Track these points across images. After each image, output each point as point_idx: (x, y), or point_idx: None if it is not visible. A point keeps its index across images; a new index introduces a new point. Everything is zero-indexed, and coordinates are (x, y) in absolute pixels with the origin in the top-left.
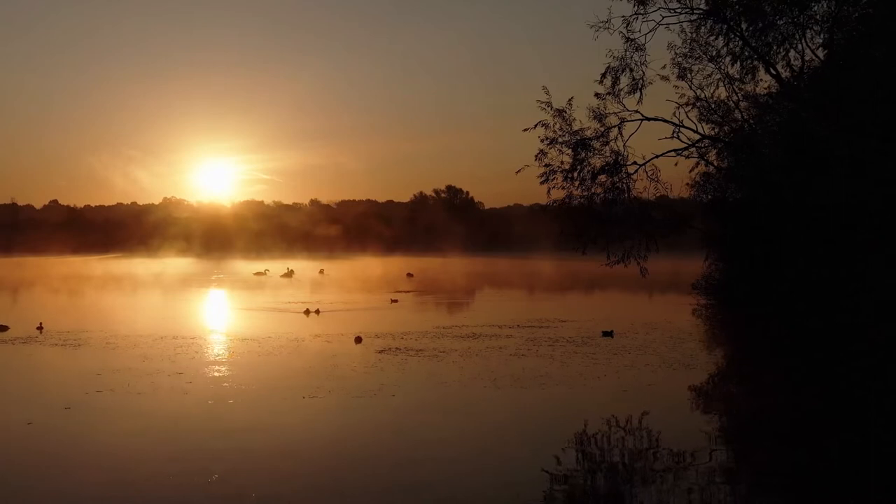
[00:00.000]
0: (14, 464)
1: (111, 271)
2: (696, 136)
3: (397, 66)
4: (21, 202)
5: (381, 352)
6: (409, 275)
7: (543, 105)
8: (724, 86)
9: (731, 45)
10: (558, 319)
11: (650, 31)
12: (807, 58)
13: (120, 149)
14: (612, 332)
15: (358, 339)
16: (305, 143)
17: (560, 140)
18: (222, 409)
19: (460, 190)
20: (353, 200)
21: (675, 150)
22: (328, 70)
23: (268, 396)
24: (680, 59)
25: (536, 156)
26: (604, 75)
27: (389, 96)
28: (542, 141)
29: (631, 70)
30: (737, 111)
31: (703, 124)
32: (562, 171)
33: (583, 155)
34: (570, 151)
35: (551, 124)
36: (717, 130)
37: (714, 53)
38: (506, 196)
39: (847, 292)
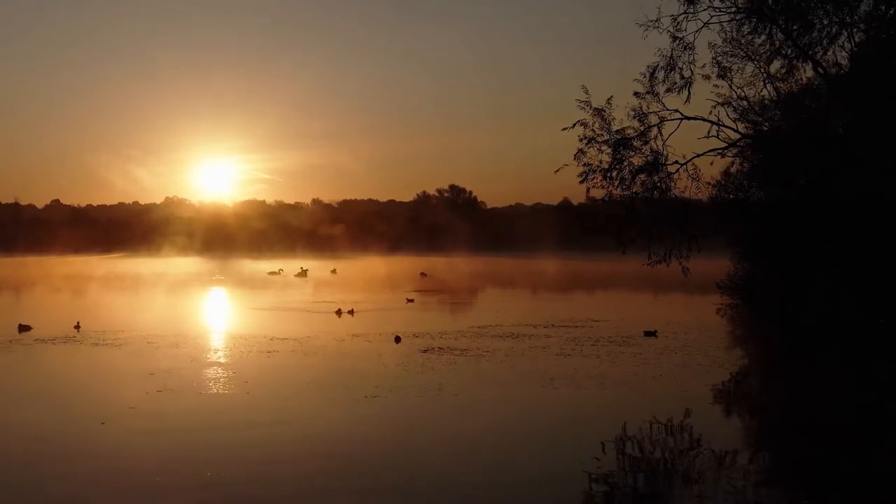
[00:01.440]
0: (101, 464)
1: (121, 271)
2: (737, 136)
3: (397, 66)
4: (23, 202)
5: (425, 351)
6: (423, 274)
7: (582, 104)
8: (765, 85)
9: (773, 42)
10: (590, 319)
11: (698, 31)
12: (843, 58)
13: (120, 148)
14: (655, 331)
15: (397, 339)
16: (306, 143)
17: (600, 139)
18: (290, 409)
19: (463, 189)
20: (355, 200)
21: (716, 150)
22: (329, 70)
23: (332, 396)
24: (720, 57)
25: (575, 155)
26: (652, 74)
27: (390, 96)
28: (580, 140)
29: (680, 69)
30: (774, 110)
31: (741, 123)
32: (601, 171)
33: (622, 154)
34: (609, 150)
35: (590, 123)
36: (754, 130)
37: (754, 52)
38: (507, 195)
39: (884, 291)
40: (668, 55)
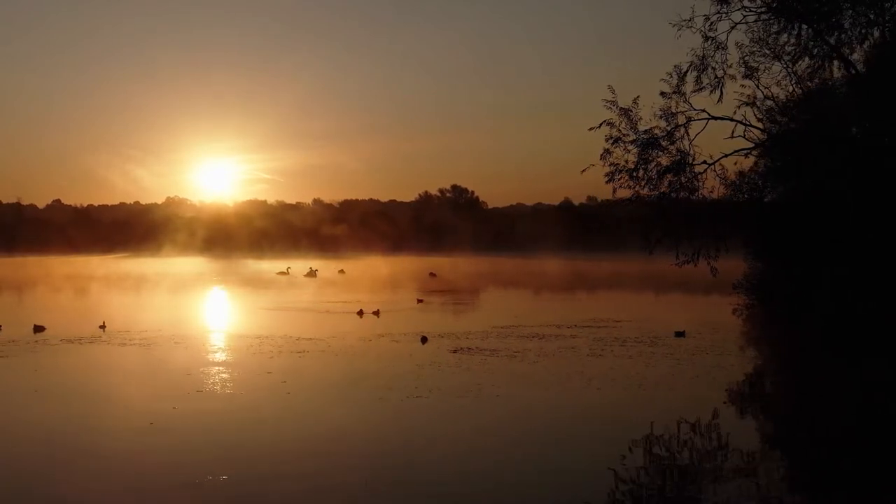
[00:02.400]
0: (159, 462)
1: (126, 271)
2: (763, 136)
3: (398, 66)
4: (24, 202)
5: (455, 352)
6: (432, 274)
7: (608, 104)
8: (793, 85)
9: (800, 41)
10: (610, 319)
11: (730, 30)
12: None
13: (121, 148)
14: (684, 332)
15: (424, 340)
16: (306, 143)
17: (626, 139)
18: (336, 409)
19: (465, 189)
20: (356, 200)
21: (743, 150)
22: (329, 70)
23: (376, 397)
24: (748, 57)
25: (602, 155)
26: (684, 74)
27: (390, 96)
28: (606, 140)
29: (713, 68)
30: (795, 110)
31: (767, 123)
32: (627, 171)
33: (648, 154)
34: (636, 150)
35: (616, 123)
36: (779, 130)
37: (781, 51)
38: (507, 195)
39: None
40: (701, 55)
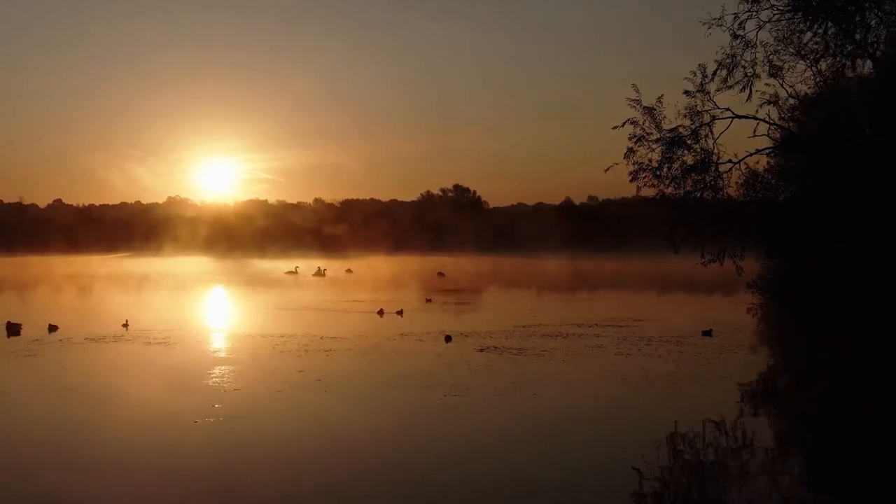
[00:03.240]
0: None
1: (131, 270)
2: (787, 135)
3: (399, 65)
4: (25, 201)
5: (481, 351)
6: (441, 274)
7: (632, 103)
8: (817, 84)
9: (824, 39)
10: (630, 318)
11: (759, 28)
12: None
13: (121, 148)
14: (711, 331)
15: (448, 339)
16: (306, 143)
17: (651, 138)
18: (371, 407)
19: (467, 189)
20: (357, 200)
21: (766, 149)
22: (330, 69)
23: (412, 395)
24: (772, 56)
25: (625, 154)
26: (714, 71)
27: (391, 95)
28: (630, 139)
29: (743, 67)
30: (813, 110)
31: (788, 122)
32: (650, 169)
33: (672, 153)
34: (660, 149)
35: (640, 122)
36: (795, 129)
37: (805, 49)
38: (508, 195)
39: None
40: (731, 53)
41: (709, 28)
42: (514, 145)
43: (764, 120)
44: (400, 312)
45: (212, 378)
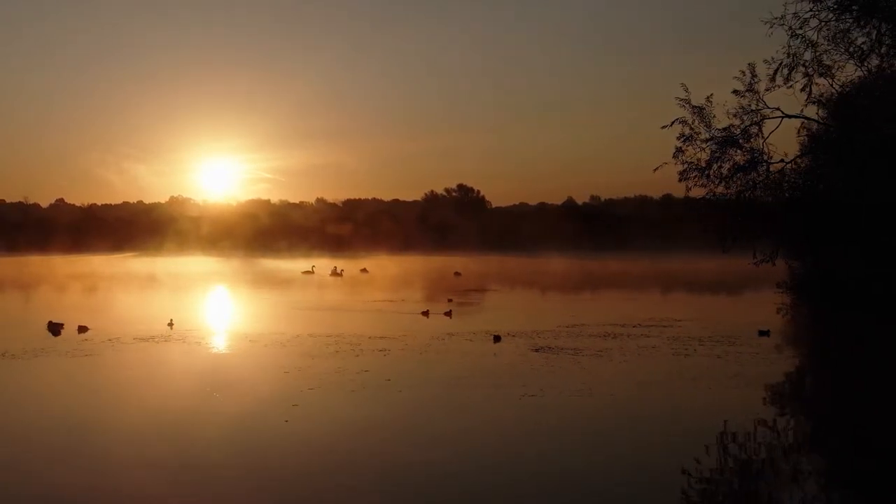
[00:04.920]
0: (318, 459)
1: (145, 269)
2: (828, 134)
3: (401, 65)
4: (28, 201)
5: (536, 351)
6: (457, 273)
7: (681, 102)
8: (864, 82)
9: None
10: (670, 318)
11: (819, 27)
12: None
13: (121, 148)
14: (768, 331)
15: (497, 338)
16: (307, 142)
17: (700, 137)
18: (452, 406)
19: (471, 188)
20: (359, 199)
21: (814, 148)
22: (332, 68)
23: (490, 396)
24: (823, 55)
25: (674, 153)
26: (776, 70)
27: (393, 95)
28: (678, 138)
29: (804, 65)
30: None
31: (831, 121)
32: (698, 169)
33: (723, 152)
34: (710, 148)
35: (689, 121)
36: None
37: (854, 48)
38: (510, 195)
39: None
40: (791, 52)
41: (770, 27)
42: (516, 145)
43: (813, 119)
44: (448, 314)
45: (280, 377)
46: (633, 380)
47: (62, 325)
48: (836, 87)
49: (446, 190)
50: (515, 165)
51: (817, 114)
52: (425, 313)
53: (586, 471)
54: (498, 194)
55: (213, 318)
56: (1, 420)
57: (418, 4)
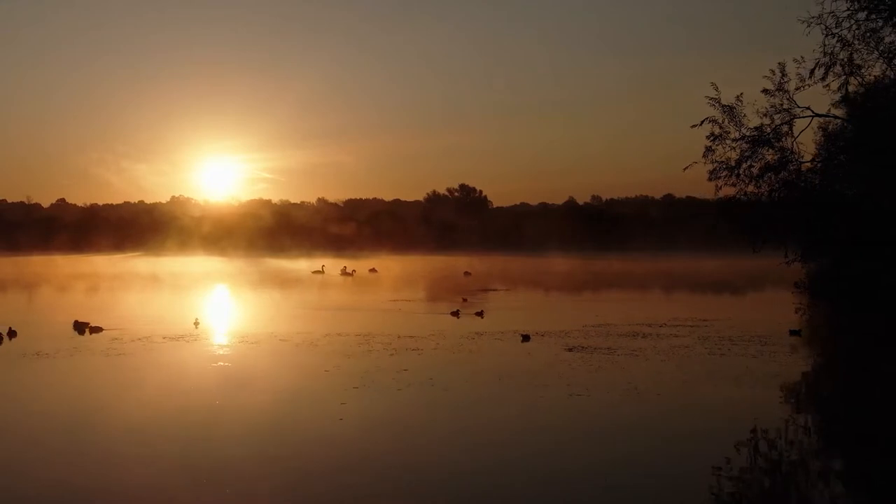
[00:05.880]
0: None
1: (154, 270)
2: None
3: (403, 64)
4: (29, 201)
5: (570, 350)
6: (467, 273)
7: (711, 101)
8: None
9: None
10: (696, 318)
11: (857, 27)
12: None
13: (122, 148)
14: (799, 330)
15: (525, 338)
16: (308, 142)
17: (731, 136)
18: (506, 406)
19: (473, 188)
20: (360, 199)
21: (843, 146)
22: (333, 68)
23: (536, 395)
24: (854, 54)
25: (704, 153)
26: (813, 70)
27: (395, 94)
28: (708, 138)
29: (841, 65)
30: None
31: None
32: (728, 168)
33: (752, 152)
34: (740, 147)
35: (719, 120)
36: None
37: (883, 46)
38: (512, 195)
39: None
40: (829, 51)
41: (808, 27)
42: (518, 145)
43: (843, 119)
44: (480, 314)
45: (321, 376)
46: (676, 379)
47: (88, 324)
48: (862, 87)
49: (448, 190)
50: (517, 165)
51: (846, 113)
52: (455, 313)
53: (647, 468)
54: (499, 194)
55: (236, 317)
56: (56, 416)
57: (419, 4)
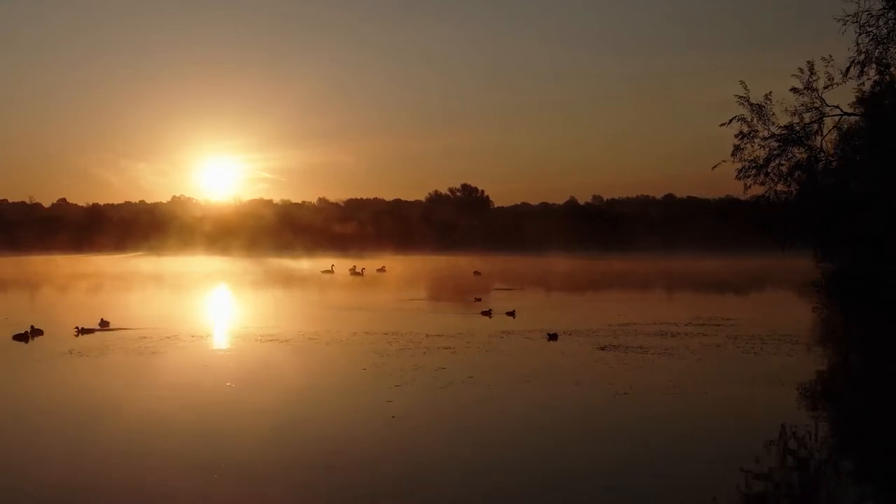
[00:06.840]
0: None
1: (160, 270)
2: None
3: (404, 64)
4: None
5: (602, 349)
6: (477, 273)
7: (740, 100)
8: None
9: None
10: (720, 318)
11: (886, 24)
12: None
13: (123, 148)
14: (826, 329)
15: (553, 337)
16: (308, 142)
17: (759, 135)
18: (551, 405)
19: (475, 188)
20: (361, 199)
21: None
22: (333, 68)
23: (584, 393)
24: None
25: (733, 151)
26: (848, 68)
27: (394, 94)
28: (737, 136)
29: (876, 63)
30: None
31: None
32: (756, 166)
33: (781, 150)
34: (771, 146)
35: (748, 118)
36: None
37: None
38: (513, 195)
39: None
40: (865, 50)
41: (843, 25)
42: (519, 144)
43: (871, 117)
44: (511, 313)
45: (362, 375)
46: (718, 378)
47: (109, 323)
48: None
49: (450, 189)
50: (517, 165)
51: (875, 112)
52: (487, 313)
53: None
54: (500, 193)
55: (258, 316)
56: (101, 412)
57: (419, 4)
